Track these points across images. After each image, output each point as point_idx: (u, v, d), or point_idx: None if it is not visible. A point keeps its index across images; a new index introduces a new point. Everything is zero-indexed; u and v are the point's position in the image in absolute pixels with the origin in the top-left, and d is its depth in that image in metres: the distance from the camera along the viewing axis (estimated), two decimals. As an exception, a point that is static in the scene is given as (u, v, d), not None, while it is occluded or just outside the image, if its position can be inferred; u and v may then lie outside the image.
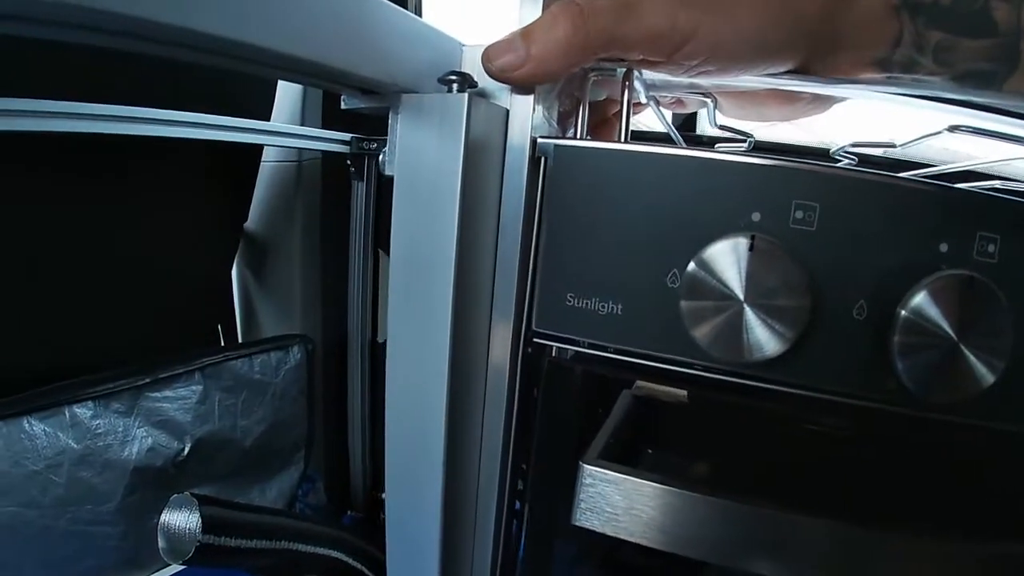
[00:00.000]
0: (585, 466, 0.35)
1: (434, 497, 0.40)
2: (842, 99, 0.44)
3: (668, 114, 0.52)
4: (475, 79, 0.38)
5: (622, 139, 0.40)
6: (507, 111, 0.39)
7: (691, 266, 0.33)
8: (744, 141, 0.52)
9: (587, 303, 0.37)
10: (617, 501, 0.34)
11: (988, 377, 0.33)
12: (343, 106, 0.40)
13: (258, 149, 0.74)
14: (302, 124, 0.74)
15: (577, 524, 0.36)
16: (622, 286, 0.36)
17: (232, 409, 0.71)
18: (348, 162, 0.73)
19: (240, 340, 0.85)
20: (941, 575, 0.35)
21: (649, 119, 0.56)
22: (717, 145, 0.54)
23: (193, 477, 0.68)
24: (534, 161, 0.38)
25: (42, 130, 0.49)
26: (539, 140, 0.38)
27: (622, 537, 0.34)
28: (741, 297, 0.32)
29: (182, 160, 0.67)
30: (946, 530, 0.34)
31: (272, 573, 0.69)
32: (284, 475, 0.79)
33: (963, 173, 0.55)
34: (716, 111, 0.45)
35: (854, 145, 0.52)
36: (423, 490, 0.40)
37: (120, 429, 0.62)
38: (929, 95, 0.41)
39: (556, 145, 0.38)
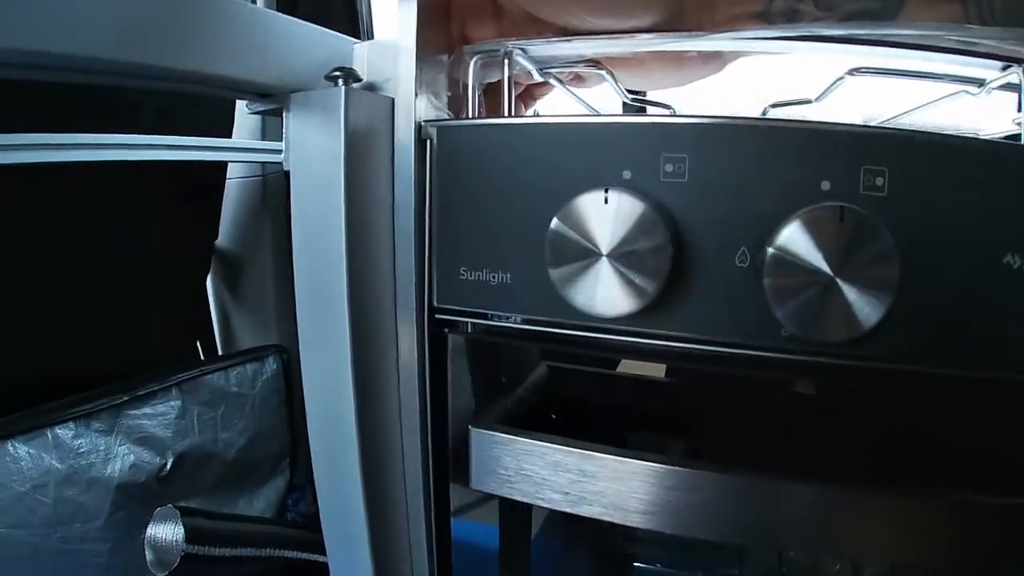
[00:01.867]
0: (473, 430, 0.37)
1: (355, 487, 0.42)
2: (734, 57, 0.45)
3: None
4: (360, 74, 0.41)
5: (507, 115, 0.42)
6: (392, 100, 0.41)
7: (554, 223, 0.35)
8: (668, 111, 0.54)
9: (479, 275, 0.39)
10: (508, 463, 0.36)
11: (874, 313, 0.33)
12: (247, 111, 0.43)
13: (222, 168, 0.78)
14: (263, 139, 0.78)
15: (474, 487, 0.38)
16: (509, 255, 0.39)
17: (212, 423, 0.74)
18: (309, 172, 0.77)
19: (220, 353, 0.89)
20: (865, 526, 0.35)
21: (593, 100, 0.58)
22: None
23: (178, 491, 0.71)
24: (420, 144, 0.41)
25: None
26: (423, 123, 0.41)
27: (517, 499, 0.36)
28: (602, 251, 0.34)
29: (146, 184, 0.71)
30: (862, 481, 0.35)
31: (267, 579, 0.72)
32: (270, 485, 0.83)
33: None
34: (618, 82, 0.47)
35: (773, 106, 0.53)
36: (347, 483, 0.43)
37: (102, 447, 0.66)
38: (818, 35, 0.42)
39: (438, 127, 0.40)
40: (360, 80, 0.41)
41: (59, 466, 0.63)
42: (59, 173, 0.61)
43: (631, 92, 0.50)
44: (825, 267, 0.33)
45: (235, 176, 0.80)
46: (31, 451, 0.62)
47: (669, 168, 0.36)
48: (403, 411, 0.43)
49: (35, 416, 0.63)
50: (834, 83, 0.47)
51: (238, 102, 0.77)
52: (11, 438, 0.61)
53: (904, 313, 0.34)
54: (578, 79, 0.48)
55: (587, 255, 0.34)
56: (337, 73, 0.40)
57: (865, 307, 0.33)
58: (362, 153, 0.40)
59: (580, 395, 0.42)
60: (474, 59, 0.43)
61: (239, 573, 0.71)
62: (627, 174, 0.36)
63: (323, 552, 0.73)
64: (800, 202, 0.34)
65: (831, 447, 0.38)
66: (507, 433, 0.36)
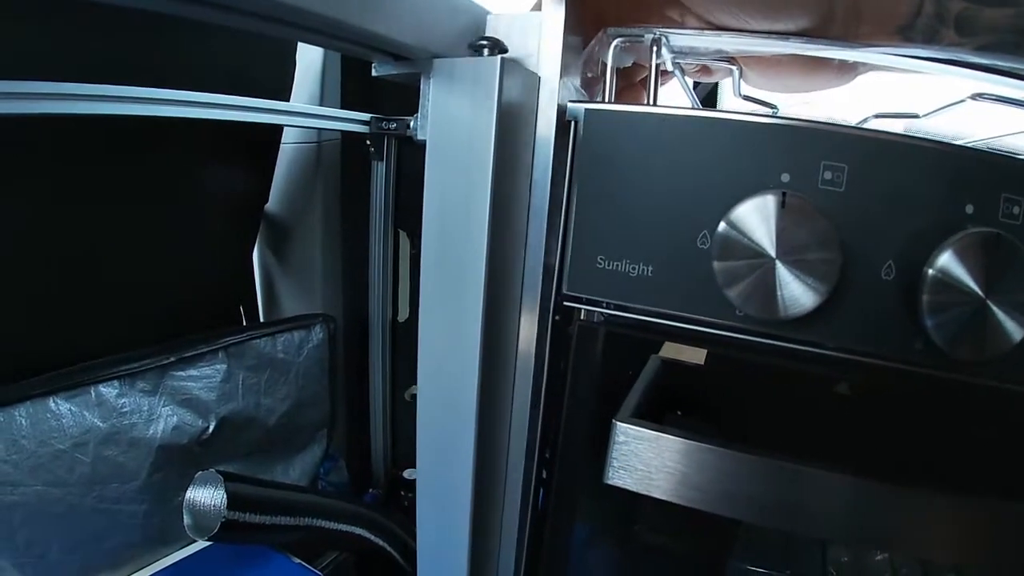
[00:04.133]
0: (619, 424, 0.36)
1: (465, 469, 0.41)
2: (866, 69, 0.44)
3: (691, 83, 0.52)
4: (505, 45, 0.39)
5: (650, 103, 0.40)
6: (538, 76, 0.39)
7: (722, 226, 0.34)
8: (769, 113, 0.53)
9: (618, 265, 0.38)
10: (650, 459, 0.35)
11: (1017, 333, 0.33)
12: (374, 73, 0.41)
13: (278, 131, 0.75)
14: (321, 105, 0.75)
15: (610, 483, 0.37)
16: (653, 248, 0.37)
17: (256, 388, 0.72)
18: (367, 142, 0.74)
19: (261, 320, 0.86)
20: (960, 527, 0.35)
21: (667, 95, 0.57)
22: (742, 117, 0.54)
23: (217, 455, 0.69)
24: (564, 125, 0.39)
25: (60, 112, 0.49)
26: (569, 104, 0.39)
27: (654, 495, 0.35)
28: (773, 254, 0.33)
29: (203, 143, 0.68)
30: (967, 486, 0.35)
31: (295, 548, 0.70)
32: (307, 453, 0.81)
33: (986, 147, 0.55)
34: (741, 80, 0.46)
35: (877, 116, 0.53)
36: (454, 462, 0.41)
37: (145, 408, 0.63)
38: (954, 59, 0.42)
39: (586, 109, 0.38)
40: (506, 52, 0.39)
41: (101, 425, 0.60)
42: (113, 128, 0.58)
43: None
44: (978, 289, 0.33)
45: (290, 141, 0.78)
46: (73, 408, 0.59)
47: (828, 176, 0.35)
48: (515, 402, 0.42)
49: (79, 373, 0.60)
50: (951, 104, 0.47)
51: (300, 66, 0.74)
52: (53, 394, 0.58)
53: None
54: (703, 71, 0.47)
55: (756, 256, 0.33)
56: (484, 43, 0.38)
57: (1011, 326, 0.33)
58: (506, 128, 0.38)
59: (704, 393, 0.41)
60: (615, 42, 0.42)
61: (274, 540, 0.69)
62: (786, 177, 0.35)
63: (358, 524, 0.72)
64: (947, 222, 0.34)
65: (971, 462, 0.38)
66: (654, 429, 0.35)
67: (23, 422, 0.56)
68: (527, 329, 0.41)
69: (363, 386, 0.86)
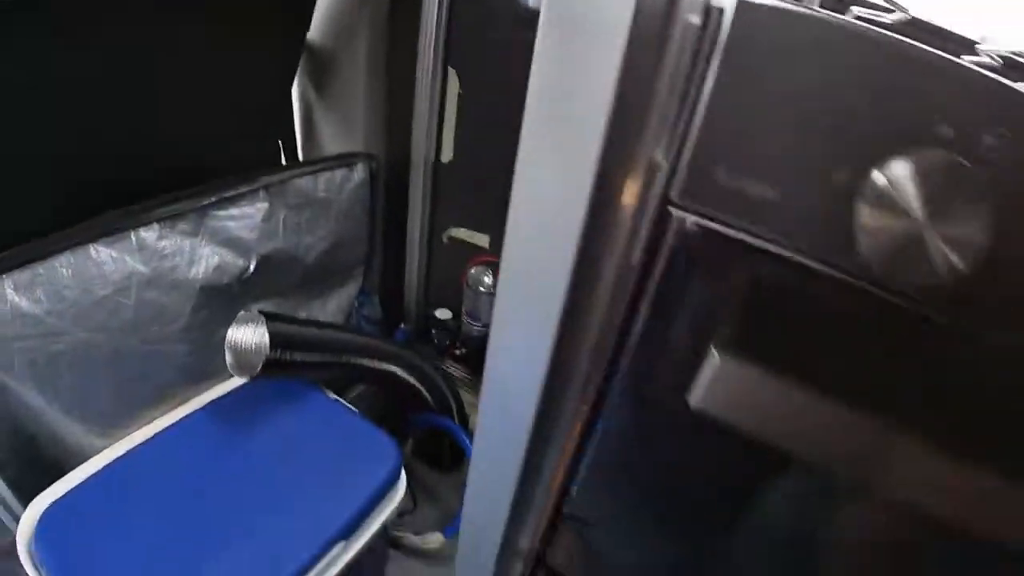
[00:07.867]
0: (715, 352, 0.34)
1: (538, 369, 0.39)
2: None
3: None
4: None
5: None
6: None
7: (876, 174, 0.29)
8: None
9: (740, 182, 0.34)
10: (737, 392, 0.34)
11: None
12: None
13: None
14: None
15: (693, 405, 0.35)
16: (784, 170, 0.33)
17: (297, 227, 0.68)
18: (419, -32, 0.65)
19: (300, 158, 0.81)
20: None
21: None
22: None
23: (257, 293, 0.66)
24: (707, 11, 0.33)
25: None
26: (713, -13, 0.32)
27: (733, 423, 0.35)
28: (924, 219, 0.29)
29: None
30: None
31: (331, 382, 0.70)
32: (343, 290, 0.78)
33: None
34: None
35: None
36: (529, 359, 0.39)
37: (187, 249, 0.59)
38: None
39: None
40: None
41: (143, 269, 0.57)
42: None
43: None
44: None
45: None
46: (114, 254, 0.55)
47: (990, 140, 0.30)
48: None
49: (119, 219, 0.56)
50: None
51: None
52: (93, 242, 0.54)
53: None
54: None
55: (907, 216, 0.29)
56: None
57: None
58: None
59: (806, 324, 0.38)
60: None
61: (311, 376, 0.69)
62: (948, 130, 0.30)
63: (393, 362, 0.72)
64: None
65: None
66: (746, 363, 0.33)
67: (64, 272, 0.53)
68: (626, 222, 0.37)
69: (402, 225, 0.83)
